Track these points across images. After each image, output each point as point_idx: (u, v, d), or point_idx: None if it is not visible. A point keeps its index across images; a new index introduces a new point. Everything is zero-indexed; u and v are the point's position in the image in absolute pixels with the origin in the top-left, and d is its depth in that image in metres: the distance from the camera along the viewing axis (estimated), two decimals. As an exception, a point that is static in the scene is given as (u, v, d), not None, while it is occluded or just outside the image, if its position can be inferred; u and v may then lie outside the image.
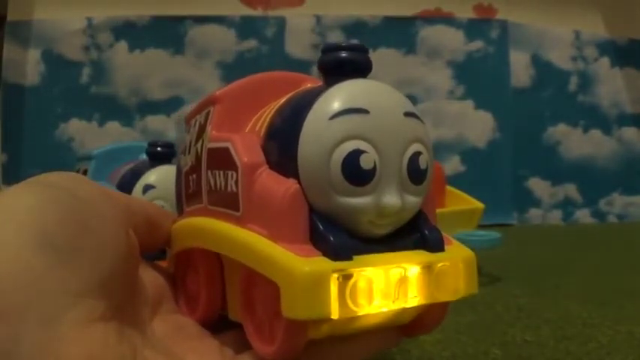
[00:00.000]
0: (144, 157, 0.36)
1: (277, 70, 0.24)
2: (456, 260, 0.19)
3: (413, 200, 0.19)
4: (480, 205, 0.63)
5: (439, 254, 0.19)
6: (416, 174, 0.19)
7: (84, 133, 1.27)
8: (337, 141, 0.18)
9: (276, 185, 0.18)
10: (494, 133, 1.37)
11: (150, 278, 0.23)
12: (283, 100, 0.21)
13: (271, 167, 0.19)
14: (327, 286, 0.16)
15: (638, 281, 0.60)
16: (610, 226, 1.37)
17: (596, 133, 1.43)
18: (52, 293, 0.15)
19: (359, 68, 0.20)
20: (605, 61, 1.44)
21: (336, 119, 0.18)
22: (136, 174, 0.34)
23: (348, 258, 0.17)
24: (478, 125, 1.36)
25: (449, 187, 0.66)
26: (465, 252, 0.20)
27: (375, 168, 0.18)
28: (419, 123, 0.20)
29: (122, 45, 1.29)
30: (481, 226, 0.64)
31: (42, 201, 0.17)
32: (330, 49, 0.20)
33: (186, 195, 0.23)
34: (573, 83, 1.43)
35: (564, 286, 0.58)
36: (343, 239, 0.18)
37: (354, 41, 0.20)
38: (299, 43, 1.33)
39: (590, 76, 1.43)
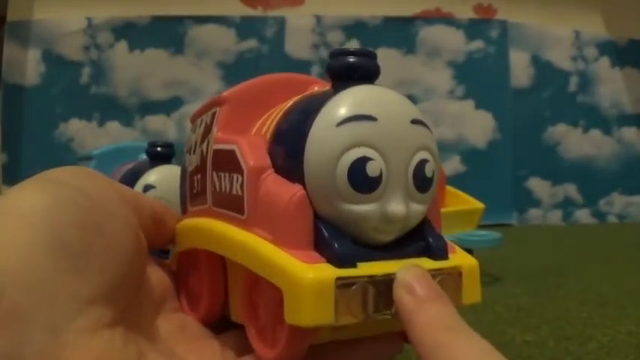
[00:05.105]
0: (144, 157, 0.36)
1: (277, 70, 0.24)
2: (459, 269, 0.19)
3: (418, 208, 0.19)
4: (480, 205, 0.63)
5: (443, 262, 0.19)
6: (422, 182, 0.19)
7: (84, 133, 1.27)
8: (344, 148, 0.18)
9: (281, 190, 0.18)
10: (494, 133, 1.37)
11: (155, 276, 0.23)
12: (290, 103, 0.21)
13: (277, 171, 0.19)
14: (330, 292, 0.16)
15: (638, 281, 0.60)
16: (610, 226, 1.37)
17: (596, 133, 1.43)
18: (61, 299, 0.15)
19: (367, 74, 0.19)
20: (605, 61, 1.44)
21: (344, 126, 0.18)
22: (135, 174, 0.33)
23: (352, 265, 0.17)
24: (478, 125, 1.36)
25: (449, 187, 0.66)
26: (469, 261, 0.20)
27: (381, 175, 0.18)
28: (426, 130, 0.19)
29: (122, 45, 1.29)
30: (481, 226, 0.64)
31: (55, 201, 0.17)
32: (338, 54, 0.20)
33: (191, 195, 0.23)
34: (573, 83, 1.43)
35: (564, 286, 0.58)
36: (347, 246, 0.18)
37: (355, 44, 0.20)
38: (299, 43, 1.33)
39: (590, 76, 1.43)
